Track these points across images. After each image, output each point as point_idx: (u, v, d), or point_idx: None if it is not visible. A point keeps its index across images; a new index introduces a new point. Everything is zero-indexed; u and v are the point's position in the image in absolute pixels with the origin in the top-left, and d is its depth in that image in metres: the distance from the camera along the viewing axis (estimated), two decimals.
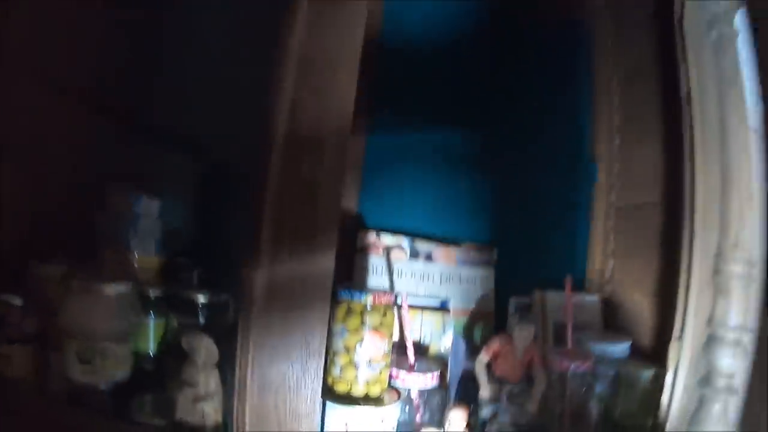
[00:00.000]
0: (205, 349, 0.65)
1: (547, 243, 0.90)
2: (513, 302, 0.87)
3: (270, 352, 0.62)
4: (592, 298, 0.91)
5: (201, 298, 0.74)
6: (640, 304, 0.89)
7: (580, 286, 0.91)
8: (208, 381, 0.66)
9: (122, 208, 0.82)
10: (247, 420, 0.62)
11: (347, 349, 0.66)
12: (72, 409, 0.69)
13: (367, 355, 0.66)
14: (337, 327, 0.67)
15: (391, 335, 0.69)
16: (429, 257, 0.84)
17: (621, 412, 0.82)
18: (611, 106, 0.96)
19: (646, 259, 0.88)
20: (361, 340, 0.66)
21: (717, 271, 0.71)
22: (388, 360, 0.69)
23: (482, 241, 0.90)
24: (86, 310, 0.69)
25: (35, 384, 0.74)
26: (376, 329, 0.66)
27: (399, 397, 0.69)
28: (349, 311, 0.66)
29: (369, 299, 0.66)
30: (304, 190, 0.63)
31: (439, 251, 0.85)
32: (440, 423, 0.72)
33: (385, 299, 0.67)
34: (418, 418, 0.72)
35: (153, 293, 0.75)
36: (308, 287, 0.62)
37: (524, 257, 0.89)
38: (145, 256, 0.82)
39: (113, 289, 0.70)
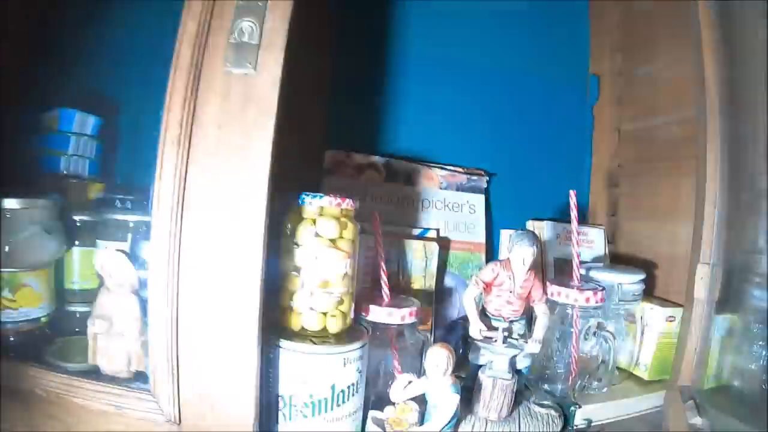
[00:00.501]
0: (118, 269, 0.52)
1: (544, 170, 0.77)
2: (505, 234, 0.73)
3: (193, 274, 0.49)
4: (595, 230, 0.78)
5: (130, 222, 0.61)
6: (649, 235, 0.76)
7: (582, 218, 0.77)
8: (125, 311, 0.53)
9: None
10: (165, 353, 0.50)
11: (298, 271, 0.53)
12: None
13: (321, 275, 0.52)
14: (287, 244, 0.54)
15: (355, 253, 0.54)
16: (408, 180, 0.71)
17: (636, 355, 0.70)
18: (611, 20, 0.83)
19: (654, 186, 0.75)
20: (315, 257, 0.52)
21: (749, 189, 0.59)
22: (352, 287, 0.55)
23: (471, 166, 0.76)
24: None
25: None
26: (333, 243, 0.53)
27: (367, 336, 0.55)
28: (299, 221, 0.53)
29: (323, 202, 0.52)
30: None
31: (421, 174, 0.71)
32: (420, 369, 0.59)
33: (346, 204, 0.53)
34: (395, 362, 0.59)
35: (79, 218, 0.62)
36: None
37: (519, 186, 0.76)
38: (76, 180, 0.68)
39: (20, 204, 0.57)
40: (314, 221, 0.52)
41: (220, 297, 0.48)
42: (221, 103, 0.49)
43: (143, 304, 0.53)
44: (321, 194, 0.52)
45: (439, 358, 0.54)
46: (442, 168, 0.73)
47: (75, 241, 0.60)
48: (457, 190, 0.73)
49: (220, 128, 0.49)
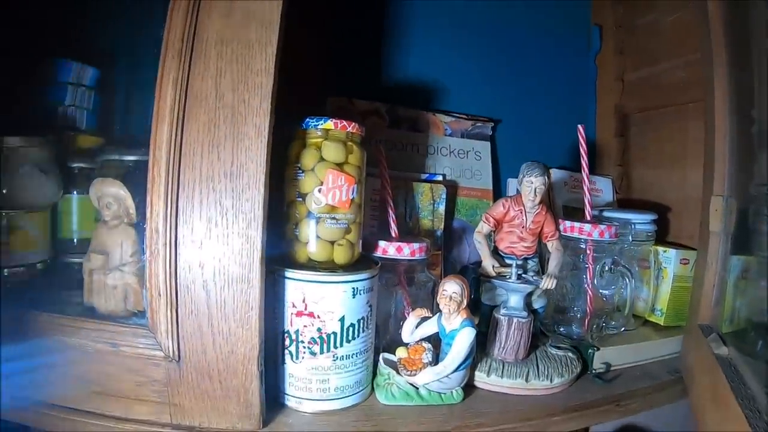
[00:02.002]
0: (116, 198, 0.50)
1: (548, 119, 0.76)
2: (512, 182, 0.72)
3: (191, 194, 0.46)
4: (603, 179, 0.76)
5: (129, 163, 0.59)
6: (657, 181, 0.74)
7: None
8: (122, 245, 0.51)
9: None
10: (161, 287, 0.46)
11: (304, 198, 0.50)
12: None
13: (327, 201, 0.50)
14: (291, 171, 0.51)
15: (362, 179, 0.52)
16: (412, 126, 0.69)
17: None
18: None
19: (661, 132, 0.74)
20: (320, 183, 0.50)
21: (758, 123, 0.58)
22: (360, 216, 0.52)
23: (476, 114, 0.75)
24: None
25: None
26: (339, 167, 0.50)
27: (377, 267, 0.52)
28: (304, 146, 0.51)
29: (328, 125, 0.50)
30: None
31: (425, 120, 0.69)
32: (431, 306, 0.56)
33: (352, 128, 0.51)
34: (406, 302, 0.56)
35: (77, 165, 0.59)
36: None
37: (524, 134, 0.75)
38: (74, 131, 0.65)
39: (19, 142, 0.54)
40: (319, 146, 0.50)
41: (221, 223, 0.46)
42: (223, 20, 0.47)
43: (142, 237, 0.51)
44: (326, 118, 0.50)
45: (452, 288, 0.51)
46: (447, 114, 0.72)
47: (72, 189, 0.58)
48: (462, 136, 0.71)
49: (222, 44, 0.47)
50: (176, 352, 0.47)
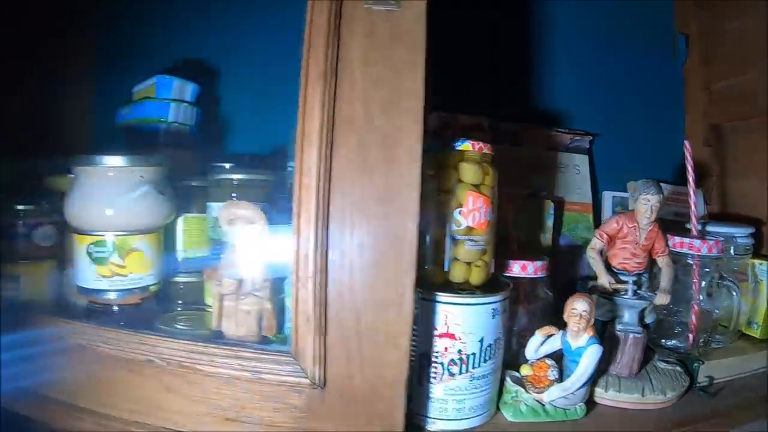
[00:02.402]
0: (249, 221, 0.48)
1: (639, 131, 0.76)
2: (608, 196, 0.72)
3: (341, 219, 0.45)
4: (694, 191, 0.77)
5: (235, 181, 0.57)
6: (748, 193, 0.75)
7: (674, 179, 0.77)
8: (256, 269, 0.49)
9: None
10: (311, 311, 0.46)
11: (442, 220, 0.50)
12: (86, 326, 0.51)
13: (466, 223, 0.49)
14: (428, 192, 0.51)
15: (494, 200, 0.52)
16: (515, 141, 0.69)
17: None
18: None
19: (751, 143, 0.75)
20: (459, 204, 0.49)
21: None
22: (493, 238, 0.52)
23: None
24: (96, 189, 0.52)
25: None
26: (477, 188, 0.50)
27: (508, 288, 0.52)
28: (441, 166, 0.50)
29: (466, 146, 0.50)
30: None
31: (527, 134, 0.69)
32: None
33: (487, 149, 0.51)
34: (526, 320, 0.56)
35: (187, 183, 0.58)
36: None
37: (616, 147, 0.75)
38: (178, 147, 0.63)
39: (125, 162, 0.52)
40: (456, 167, 0.50)
41: (373, 248, 0.45)
42: (366, 39, 0.46)
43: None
44: (464, 139, 0.50)
45: (582, 306, 0.52)
46: (547, 128, 0.72)
47: (185, 206, 0.56)
48: (562, 150, 0.72)
49: (367, 66, 0.46)
50: (322, 379, 0.46)
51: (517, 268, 0.55)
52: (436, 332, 0.49)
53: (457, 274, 0.50)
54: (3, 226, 0.58)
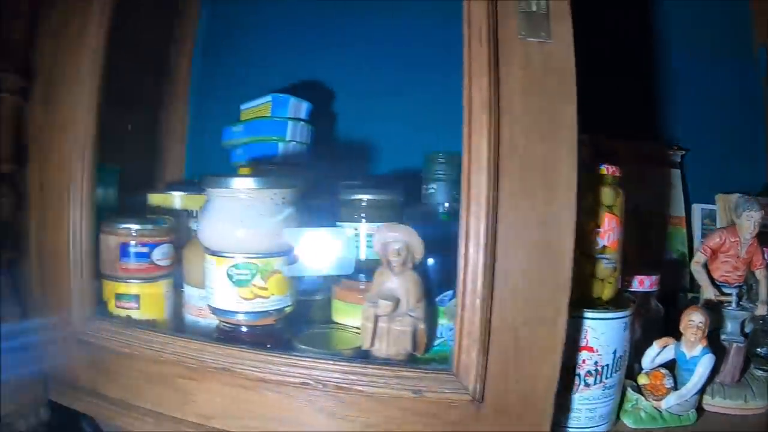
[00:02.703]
0: (406, 244, 0.50)
1: (724, 144, 0.80)
2: (697, 208, 0.78)
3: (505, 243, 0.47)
4: None
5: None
6: None
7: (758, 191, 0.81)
8: (410, 290, 0.51)
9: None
10: (477, 331, 0.47)
11: (580, 239, 0.53)
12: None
13: (604, 242, 0.53)
14: None
15: (623, 220, 0.56)
16: (612, 156, 0.72)
17: None
18: None
19: None
20: (597, 225, 0.53)
21: None
22: (621, 256, 0.55)
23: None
24: (236, 211, 0.51)
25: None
26: (610, 209, 0.54)
27: (635, 303, 0.56)
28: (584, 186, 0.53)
29: (603, 170, 0.53)
30: None
31: (624, 150, 0.72)
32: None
33: (619, 172, 0.54)
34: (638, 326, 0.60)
35: (316, 202, 0.59)
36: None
37: (701, 160, 0.80)
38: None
39: (269, 186, 0.52)
40: (593, 189, 0.53)
41: (534, 270, 0.47)
42: (522, 71, 0.49)
43: (425, 281, 0.52)
44: (601, 163, 0.53)
45: (699, 318, 0.56)
46: (640, 143, 0.76)
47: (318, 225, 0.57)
48: (656, 165, 0.76)
49: (525, 96, 0.49)
50: (481, 395, 0.49)
51: (636, 283, 0.59)
52: (576, 345, 0.52)
53: (595, 290, 0.53)
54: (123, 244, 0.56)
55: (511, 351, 0.48)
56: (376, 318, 0.50)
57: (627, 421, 0.57)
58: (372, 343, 0.51)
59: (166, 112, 0.74)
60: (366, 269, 0.56)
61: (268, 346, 0.52)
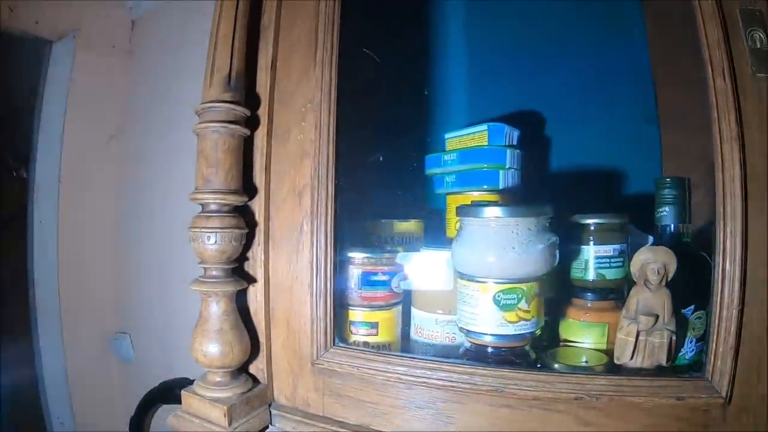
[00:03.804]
0: (665, 264, 0.54)
1: None
2: None
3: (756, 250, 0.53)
4: None
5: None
6: None
7: None
8: (665, 305, 0.55)
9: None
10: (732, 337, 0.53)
11: None
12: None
13: None
14: None
15: None
16: None
17: None
18: None
19: None
20: None
21: None
22: None
23: None
24: (500, 239, 0.54)
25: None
26: None
27: None
28: None
29: None
30: None
31: None
32: None
33: None
34: None
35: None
36: None
37: None
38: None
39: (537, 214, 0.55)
40: None
41: None
42: (758, 106, 0.54)
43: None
44: None
45: None
46: None
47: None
48: None
49: (762, 127, 0.54)
50: (729, 398, 0.54)
51: None
52: None
53: None
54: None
55: (755, 357, 0.54)
56: (638, 333, 0.54)
57: None
58: (630, 357, 0.55)
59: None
60: (593, 289, 0.60)
61: (539, 365, 0.54)
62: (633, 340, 0.54)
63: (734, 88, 0.54)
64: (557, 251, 0.56)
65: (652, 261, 0.54)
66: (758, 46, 0.56)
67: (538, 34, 0.75)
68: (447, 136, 0.69)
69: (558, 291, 0.62)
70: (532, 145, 0.76)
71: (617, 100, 0.72)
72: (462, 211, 0.55)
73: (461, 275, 0.55)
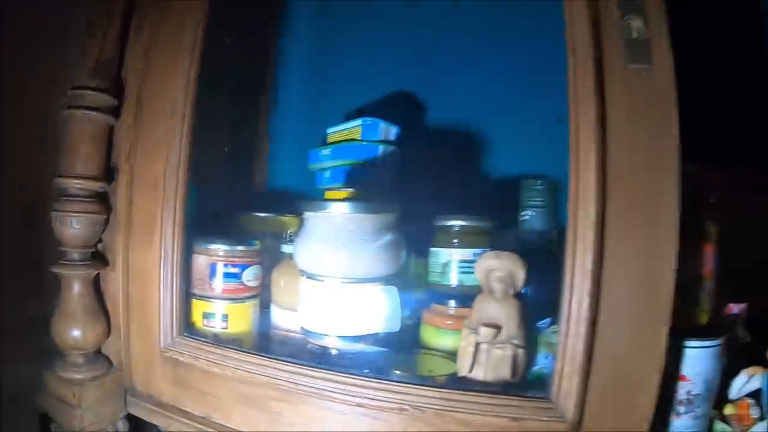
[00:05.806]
0: (510, 272, 0.50)
1: None
2: None
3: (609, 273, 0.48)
4: None
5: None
6: None
7: None
8: (511, 317, 0.51)
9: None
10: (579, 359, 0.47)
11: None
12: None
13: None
14: None
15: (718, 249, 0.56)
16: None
17: None
18: None
19: None
20: (694, 254, 0.53)
21: None
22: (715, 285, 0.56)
23: None
24: (339, 234, 0.51)
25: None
26: (706, 238, 0.54)
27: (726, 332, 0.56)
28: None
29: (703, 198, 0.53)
30: None
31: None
32: None
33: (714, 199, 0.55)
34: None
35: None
36: None
37: None
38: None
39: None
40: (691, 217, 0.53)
41: (634, 298, 0.47)
42: (626, 99, 0.49)
43: (525, 308, 0.52)
44: None
45: None
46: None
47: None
48: None
49: (629, 124, 0.49)
50: (577, 423, 0.48)
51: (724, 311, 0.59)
52: (674, 374, 0.52)
53: (689, 319, 0.53)
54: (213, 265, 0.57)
55: (608, 380, 0.48)
56: (477, 344, 0.50)
57: None
58: (470, 369, 0.51)
59: (251, 132, 0.74)
60: (457, 295, 0.56)
61: (366, 371, 0.52)
62: (472, 351, 0.50)
63: (599, 79, 0.49)
64: (402, 252, 0.53)
65: (497, 268, 0.50)
66: (634, 35, 0.50)
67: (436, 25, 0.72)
68: (329, 130, 0.67)
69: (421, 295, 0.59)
70: (444, 145, 0.73)
71: (531, 101, 0.67)
72: (300, 205, 0.53)
73: (301, 272, 0.54)
